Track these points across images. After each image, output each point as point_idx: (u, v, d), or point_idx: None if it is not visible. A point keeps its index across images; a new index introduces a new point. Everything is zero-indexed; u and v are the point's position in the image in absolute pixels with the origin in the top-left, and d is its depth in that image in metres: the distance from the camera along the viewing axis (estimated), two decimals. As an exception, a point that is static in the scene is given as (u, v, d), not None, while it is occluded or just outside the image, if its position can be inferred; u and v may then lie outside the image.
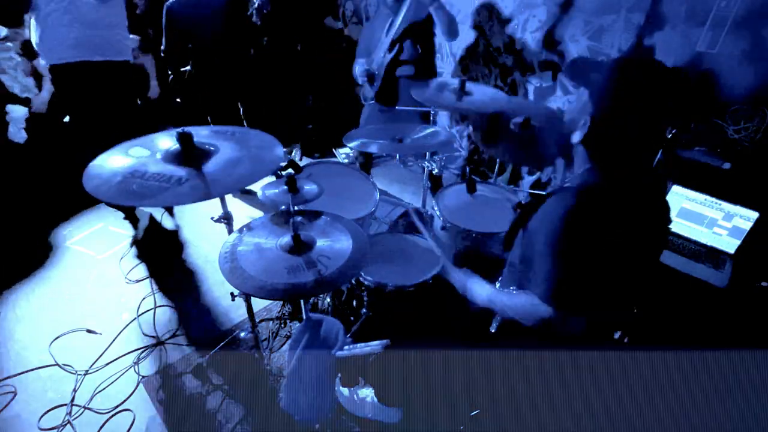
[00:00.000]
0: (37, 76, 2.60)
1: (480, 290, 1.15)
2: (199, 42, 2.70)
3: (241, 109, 3.17)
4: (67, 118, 2.45)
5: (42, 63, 2.00)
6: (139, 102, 2.47)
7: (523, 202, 1.70)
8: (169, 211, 2.79)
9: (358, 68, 2.34)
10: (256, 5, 3.30)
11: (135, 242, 2.49)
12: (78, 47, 1.95)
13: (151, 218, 2.70)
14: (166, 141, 1.22)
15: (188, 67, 3.08)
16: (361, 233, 1.25)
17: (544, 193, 1.10)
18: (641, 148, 0.93)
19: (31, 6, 1.81)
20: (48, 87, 2.62)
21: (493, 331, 1.17)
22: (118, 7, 2.06)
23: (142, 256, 2.38)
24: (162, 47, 2.78)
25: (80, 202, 2.76)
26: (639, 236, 0.95)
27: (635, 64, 0.90)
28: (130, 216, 2.66)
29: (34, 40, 1.91)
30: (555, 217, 0.89)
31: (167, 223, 2.70)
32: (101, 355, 1.78)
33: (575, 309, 0.92)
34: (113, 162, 1.13)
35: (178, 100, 3.24)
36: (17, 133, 2.48)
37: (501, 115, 1.51)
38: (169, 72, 3.08)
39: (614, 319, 1.11)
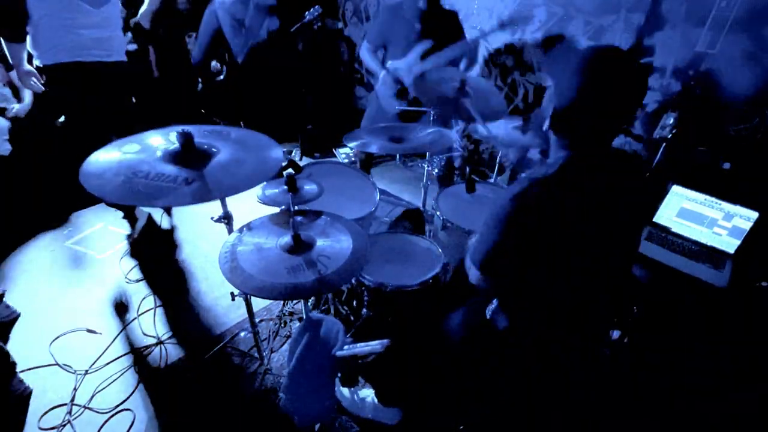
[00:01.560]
0: (13, 86, 2.60)
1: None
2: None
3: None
4: (61, 119, 2.44)
5: (36, 63, 2.00)
6: (133, 101, 2.46)
7: None
8: (167, 211, 2.78)
9: (368, 54, 2.40)
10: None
11: (135, 242, 2.49)
12: (72, 49, 1.95)
13: (150, 218, 2.70)
14: (161, 139, 1.22)
15: (221, 77, 3.17)
16: (361, 233, 1.25)
17: None
18: (600, 129, 0.93)
19: (29, 17, 1.83)
20: (29, 94, 2.65)
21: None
22: (112, 9, 2.06)
23: (141, 255, 2.38)
24: (195, 55, 2.96)
25: (80, 201, 2.76)
26: (592, 235, 0.95)
27: (589, 53, 0.90)
28: (130, 216, 2.65)
29: (29, 43, 1.91)
30: (505, 195, 0.95)
31: (166, 223, 2.69)
32: (101, 355, 1.78)
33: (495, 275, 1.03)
34: (110, 159, 1.12)
35: (203, 111, 3.32)
36: (1, 145, 2.45)
37: None
38: (199, 82, 3.18)
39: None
